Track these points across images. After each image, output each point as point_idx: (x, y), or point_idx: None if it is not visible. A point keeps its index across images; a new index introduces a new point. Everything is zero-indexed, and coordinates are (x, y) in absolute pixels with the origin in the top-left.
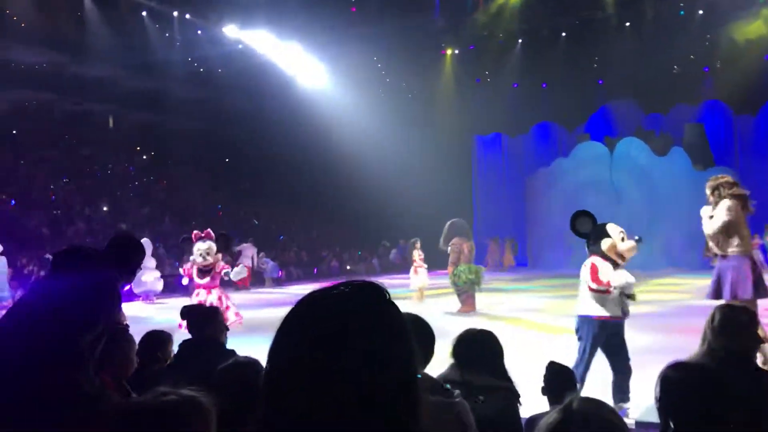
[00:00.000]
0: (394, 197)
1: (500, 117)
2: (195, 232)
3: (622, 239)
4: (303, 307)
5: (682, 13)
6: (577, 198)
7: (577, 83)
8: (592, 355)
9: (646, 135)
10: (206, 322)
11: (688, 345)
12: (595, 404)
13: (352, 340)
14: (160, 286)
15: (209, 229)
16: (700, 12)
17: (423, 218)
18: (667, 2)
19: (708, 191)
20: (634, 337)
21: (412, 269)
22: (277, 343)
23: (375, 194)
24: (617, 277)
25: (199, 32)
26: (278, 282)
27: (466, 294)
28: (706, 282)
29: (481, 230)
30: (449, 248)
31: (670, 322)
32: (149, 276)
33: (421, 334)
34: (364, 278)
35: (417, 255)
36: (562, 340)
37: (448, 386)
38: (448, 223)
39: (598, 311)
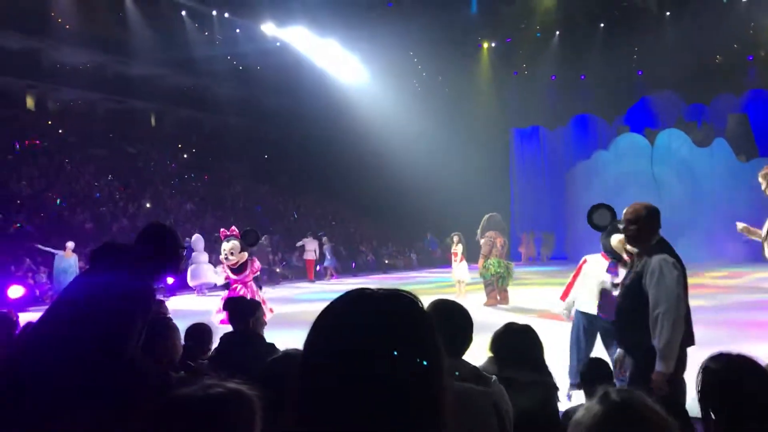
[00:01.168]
0: (431, 191)
1: (538, 109)
2: (222, 230)
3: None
4: (339, 308)
5: (725, 0)
6: (617, 191)
7: (616, 74)
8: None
9: (687, 126)
10: (248, 316)
11: (737, 338)
12: (635, 394)
13: (387, 345)
14: (216, 279)
15: (234, 227)
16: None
17: (461, 212)
18: None
19: (764, 181)
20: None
21: (453, 262)
22: (313, 341)
23: (413, 188)
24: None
25: (237, 30)
26: (337, 272)
27: (491, 287)
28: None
29: (519, 224)
30: (482, 240)
31: (725, 316)
32: (204, 269)
33: (459, 322)
34: (402, 273)
35: (459, 248)
36: None
37: (494, 376)
38: (486, 216)
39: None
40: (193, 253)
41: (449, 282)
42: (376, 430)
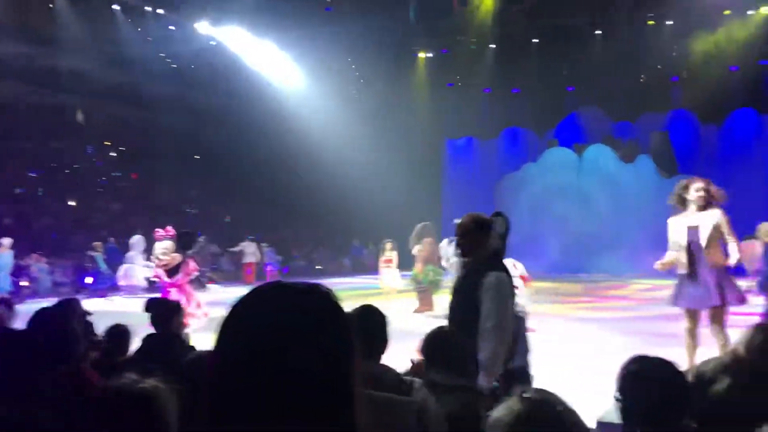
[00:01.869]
0: (365, 197)
1: (472, 121)
2: (156, 230)
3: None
4: (250, 303)
5: (651, 23)
6: (545, 203)
7: (547, 89)
8: None
9: (614, 142)
10: (170, 318)
11: (654, 346)
12: (550, 393)
13: (300, 339)
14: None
15: (170, 227)
16: (669, 22)
17: (392, 220)
18: (637, 12)
19: (703, 194)
20: (607, 338)
21: (382, 269)
22: (224, 336)
23: (347, 194)
24: None
25: (171, 28)
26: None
27: (425, 293)
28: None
29: (450, 234)
30: (420, 247)
31: (645, 326)
32: (136, 270)
33: (376, 325)
34: (335, 278)
35: (394, 255)
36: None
37: (415, 380)
38: (420, 224)
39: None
40: (129, 253)
41: (378, 289)
42: (289, 427)
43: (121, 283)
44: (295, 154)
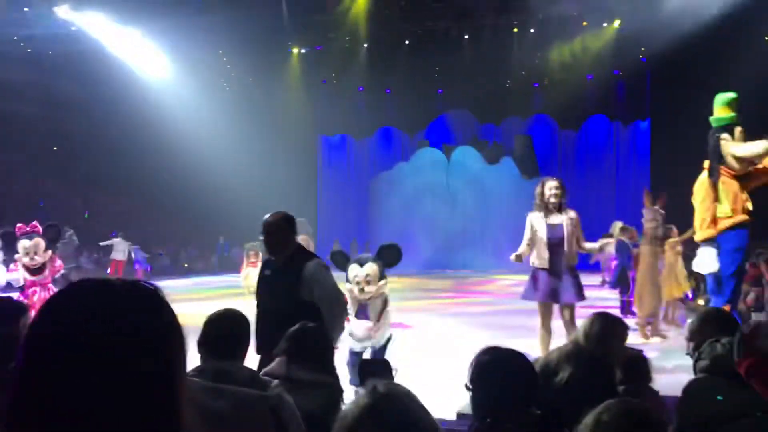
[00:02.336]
0: (236, 194)
1: (346, 119)
2: (19, 225)
3: (357, 283)
4: (66, 300)
5: (515, 30)
6: (416, 201)
7: (418, 91)
8: None
9: (480, 144)
10: (12, 319)
11: (511, 338)
12: (400, 387)
13: (118, 337)
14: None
15: (36, 222)
16: (532, 30)
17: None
18: (502, 18)
19: (556, 192)
20: (472, 332)
21: (246, 268)
22: (36, 333)
23: (216, 191)
24: None
25: (26, 10)
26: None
27: None
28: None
29: (325, 230)
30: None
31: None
32: None
33: (238, 326)
34: (202, 277)
35: (254, 259)
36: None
37: (275, 380)
38: (296, 221)
39: None
40: None
41: (239, 289)
42: (107, 428)
43: None
44: (161, 148)
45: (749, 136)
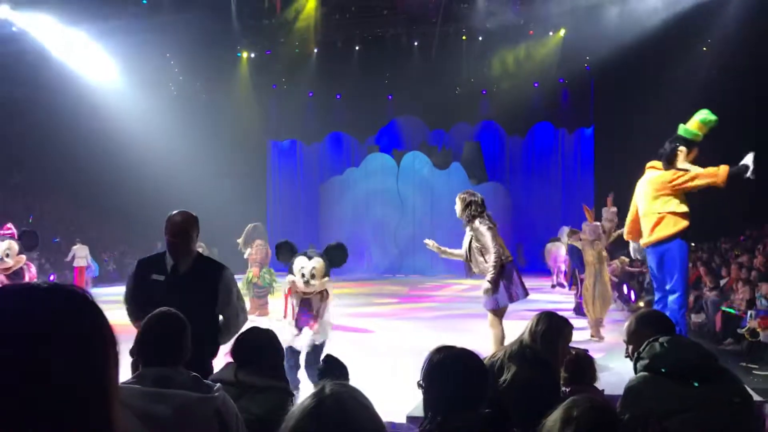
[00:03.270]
0: (183, 199)
1: (296, 124)
2: None
3: (302, 275)
4: None
5: (464, 38)
6: (366, 206)
7: (369, 96)
8: None
9: (429, 149)
10: None
11: (461, 339)
12: (347, 387)
13: (45, 340)
14: None
15: (10, 225)
16: (480, 38)
17: (217, 223)
18: (451, 26)
19: (462, 205)
20: (423, 335)
21: None
22: None
23: (163, 196)
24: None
25: None
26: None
27: (265, 298)
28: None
29: (276, 236)
30: (252, 250)
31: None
32: None
33: (168, 331)
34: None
35: None
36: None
37: (218, 383)
38: (251, 225)
39: None
40: None
41: None
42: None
43: None
44: (105, 151)
45: (697, 162)
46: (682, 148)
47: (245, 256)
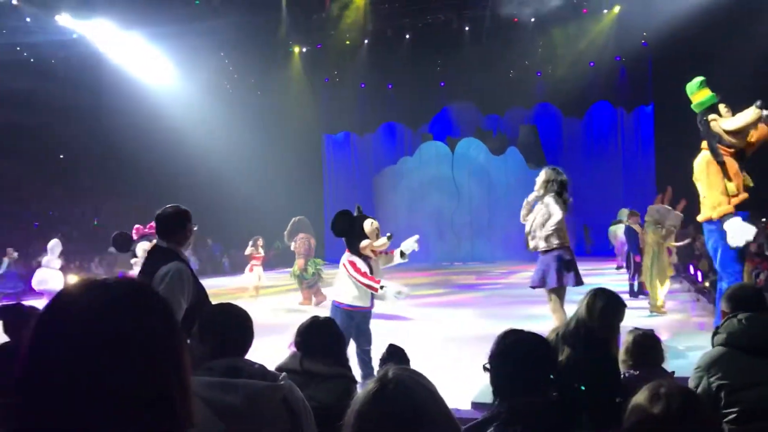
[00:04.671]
0: (243, 196)
1: (349, 116)
2: (137, 227)
3: (377, 236)
4: (64, 299)
5: (516, 20)
6: (422, 195)
7: (420, 84)
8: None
9: (484, 135)
10: (23, 325)
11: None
12: (409, 371)
13: (114, 333)
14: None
15: (153, 223)
16: (532, 19)
17: (275, 218)
18: (502, 9)
19: (543, 179)
20: (484, 323)
21: (248, 266)
22: (38, 334)
23: (223, 193)
24: (391, 286)
25: (28, 20)
26: None
27: (315, 287)
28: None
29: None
30: (296, 243)
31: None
32: (53, 275)
33: (242, 322)
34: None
35: (257, 251)
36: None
37: (283, 373)
38: (295, 219)
39: (351, 301)
40: (45, 258)
41: (245, 287)
42: (106, 426)
43: (38, 288)
44: (166, 152)
45: (735, 110)
46: (712, 116)
47: (292, 248)
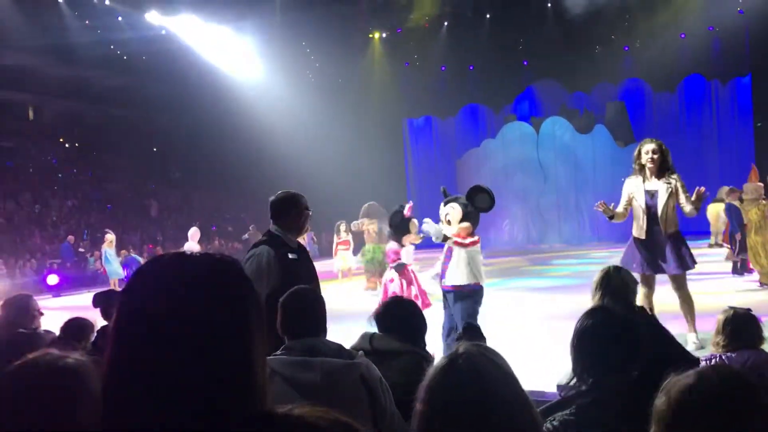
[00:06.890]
0: (328, 183)
1: (430, 100)
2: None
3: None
4: (153, 269)
5: None
6: (506, 177)
7: (502, 65)
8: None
9: (570, 114)
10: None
11: None
12: (480, 348)
13: (200, 308)
14: None
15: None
16: None
17: (361, 203)
18: None
19: (652, 156)
20: (569, 305)
21: (337, 251)
22: (124, 306)
23: (308, 180)
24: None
25: (119, 18)
26: None
27: (377, 272)
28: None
29: (419, 213)
30: (356, 228)
31: None
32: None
33: (305, 304)
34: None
35: (343, 236)
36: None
37: (361, 351)
38: (366, 205)
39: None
40: (187, 244)
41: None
42: (188, 397)
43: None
44: (254, 142)
45: None
46: None
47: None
